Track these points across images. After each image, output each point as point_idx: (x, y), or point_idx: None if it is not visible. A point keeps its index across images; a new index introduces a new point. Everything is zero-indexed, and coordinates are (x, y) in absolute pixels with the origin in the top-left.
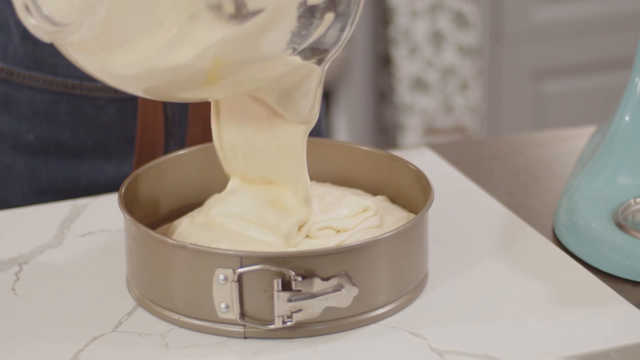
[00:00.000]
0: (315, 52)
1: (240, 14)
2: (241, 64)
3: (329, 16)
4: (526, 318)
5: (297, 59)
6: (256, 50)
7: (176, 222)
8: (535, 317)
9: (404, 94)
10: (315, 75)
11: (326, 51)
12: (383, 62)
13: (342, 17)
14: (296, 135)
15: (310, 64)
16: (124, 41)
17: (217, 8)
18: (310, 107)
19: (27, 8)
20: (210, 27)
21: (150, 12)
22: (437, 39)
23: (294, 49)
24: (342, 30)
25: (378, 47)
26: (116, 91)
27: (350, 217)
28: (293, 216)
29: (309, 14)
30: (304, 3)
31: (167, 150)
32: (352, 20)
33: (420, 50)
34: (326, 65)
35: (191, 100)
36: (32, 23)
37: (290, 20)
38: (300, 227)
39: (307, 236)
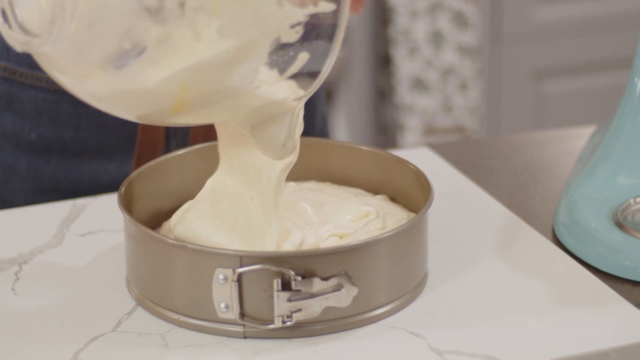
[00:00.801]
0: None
1: (209, 41)
2: (210, 94)
3: (303, 55)
4: (526, 318)
5: (270, 94)
6: (225, 82)
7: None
8: (535, 317)
9: (404, 93)
10: (289, 112)
11: (302, 89)
12: (383, 62)
13: (317, 58)
14: (272, 172)
15: (286, 100)
16: (92, 59)
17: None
18: (284, 142)
19: (3, 13)
20: (178, 53)
21: (119, 32)
22: (437, 38)
23: (266, 84)
24: (318, 69)
25: (378, 47)
26: None
27: (352, 222)
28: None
29: (282, 51)
30: (277, 40)
31: (169, 149)
32: (329, 60)
33: (420, 50)
34: (302, 102)
35: (164, 124)
36: (5, 30)
37: (261, 55)
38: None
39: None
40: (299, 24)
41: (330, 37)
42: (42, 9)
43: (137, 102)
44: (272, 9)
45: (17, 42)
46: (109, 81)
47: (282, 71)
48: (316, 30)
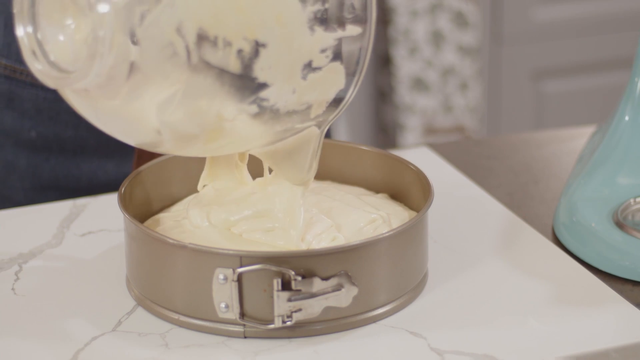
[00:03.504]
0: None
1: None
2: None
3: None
4: (526, 318)
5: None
6: None
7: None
8: (535, 317)
9: (404, 93)
10: (314, 139)
11: (327, 113)
12: (383, 62)
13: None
14: (293, 195)
15: (310, 127)
16: (127, 91)
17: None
18: (308, 169)
19: (34, 53)
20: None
21: (158, 65)
22: (437, 38)
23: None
24: (343, 95)
25: (378, 47)
26: None
27: (359, 231)
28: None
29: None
30: (309, 65)
31: None
32: (355, 83)
33: (420, 50)
34: (326, 127)
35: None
36: (37, 68)
37: (294, 83)
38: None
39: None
40: (328, 48)
41: (356, 61)
42: (76, 45)
43: (169, 133)
44: (306, 35)
45: (50, 78)
46: (139, 113)
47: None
48: (341, 56)
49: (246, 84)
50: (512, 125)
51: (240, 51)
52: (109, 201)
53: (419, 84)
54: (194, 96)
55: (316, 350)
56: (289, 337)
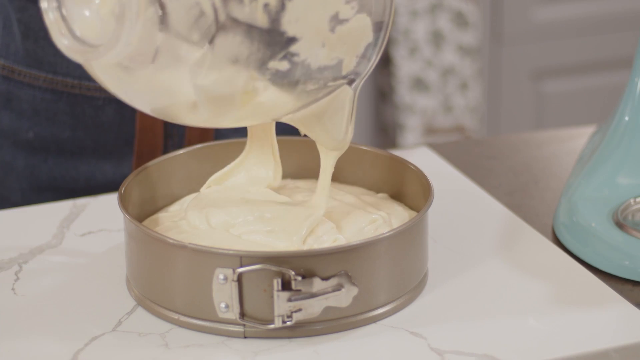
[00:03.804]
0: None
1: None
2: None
3: None
4: (526, 318)
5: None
6: None
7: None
8: (535, 317)
9: (404, 93)
10: (347, 98)
11: (357, 73)
12: (383, 62)
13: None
14: (325, 161)
15: (342, 85)
16: (159, 57)
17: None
18: (344, 132)
19: (59, 30)
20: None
21: (186, 27)
22: (437, 38)
23: None
24: (373, 50)
25: None
26: None
27: (360, 232)
28: (308, 218)
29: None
30: (336, 17)
31: (167, 150)
32: (382, 37)
33: (420, 50)
34: (358, 87)
35: (207, 126)
36: (64, 43)
37: (323, 36)
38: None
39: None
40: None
41: (382, 12)
42: (102, 19)
43: (198, 99)
44: None
45: (77, 52)
46: (165, 82)
47: None
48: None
49: (275, 38)
50: (512, 125)
51: (266, 5)
52: (109, 201)
53: (419, 84)
54: (225, 56)
55: (316, 350)
56: (289, 337)
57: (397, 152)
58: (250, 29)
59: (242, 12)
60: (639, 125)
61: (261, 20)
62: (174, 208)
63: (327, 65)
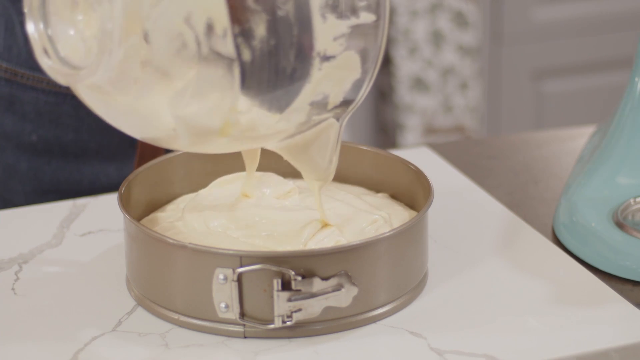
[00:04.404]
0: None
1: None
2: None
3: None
4: (526, 318)
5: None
6: None
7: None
8: (535, 317)
9: (404, 93)
10: (333, 130)
11: (345, 105)
12: (383, 62)
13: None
14: (313, 190)
15: (328, 118)
16: (139, 85)
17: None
18: (328, 163)
19: (44, 49)
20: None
21: (168, 58)
22: (436, 38)
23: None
24: (360, 85)
25: None
26: None
27: (361, 231)
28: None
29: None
30: (322, 53)
31: (169, 151)
32: (370, 76)
33: (420, 49)
34: (345, 119)
35: (193, 151)
36: (48, 64)
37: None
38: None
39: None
40: (342, 35)
41: (372, 49)
42: (87, 41)
43: (179, 128)
44: (317, 22)
45: (61, 75)
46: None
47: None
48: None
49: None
50: (512, 125)
51: (250, 41)
52: (109, 201)
53: (419, 84)
54: (206, 88)
55: (316, 350)
56: (289, 337)
57: (397, 152)
58: (232, 62)
59: (224, 47)
60: (639, 126)
61: (244, 55)
62: (171, 207)
63: (313, 100)
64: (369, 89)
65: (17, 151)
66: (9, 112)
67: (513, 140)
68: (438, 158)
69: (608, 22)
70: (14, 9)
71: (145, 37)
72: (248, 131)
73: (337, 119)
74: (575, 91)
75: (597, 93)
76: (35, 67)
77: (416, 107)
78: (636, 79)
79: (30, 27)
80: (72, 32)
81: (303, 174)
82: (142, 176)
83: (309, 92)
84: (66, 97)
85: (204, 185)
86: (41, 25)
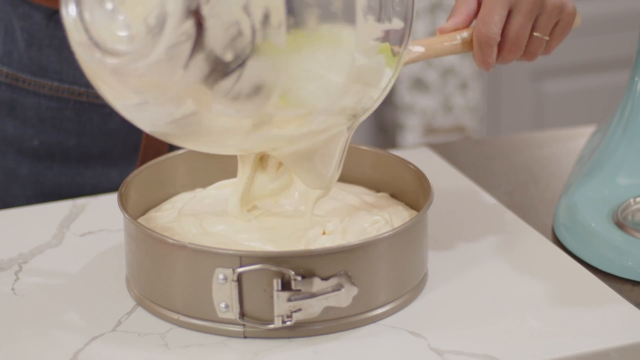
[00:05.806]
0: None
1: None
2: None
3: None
4: (526, 318)
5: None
6: None
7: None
8: (535, 317)
9: (404, 93)
10: (342, 139)
11: (356, 116)
12: None
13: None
14: (307, 204)
15: (341, 126)
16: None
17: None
18: (332, 173)
19: (80, 34)
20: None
21: (222, 45)
22: None
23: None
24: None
25: None
26: None
27: (362, 232)
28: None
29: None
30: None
31: None
32: (387, 82)
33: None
34: (354, 129)
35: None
36: (96, 57)
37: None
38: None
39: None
40: (378, 38)
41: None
42: (132, 24)
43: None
44: (360, 22)
45: (108, 65)
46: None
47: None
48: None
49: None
50: (512, 125)
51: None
52: (109, 201)
53: (419, 84)
54: (251, 82)
55: (316, 350)
56: (289, 337)
57: (397, 152)
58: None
59: (278, 38)
60: (639, 126)
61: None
62: (167, 206)
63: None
64: (382, 98)
65: (19, 156)
66: (10, 117)
67: (513, 140)
68: (438, 158)
69: (608, 22)
70: (14, 14)
71: (201, 23)
72: (274, 129)
73: (347, 128)
74: (575, 91)
75: (597, 93)
76: (37, 72)
77: (416, 107)
78: (636, 78)
79: (65, 11)
80: (109, 18)
81: (304, 182)
82: (142, 176)
83: (341, 93)
84: (69, 103)
85: (202, 184)
86: (75, 9)
